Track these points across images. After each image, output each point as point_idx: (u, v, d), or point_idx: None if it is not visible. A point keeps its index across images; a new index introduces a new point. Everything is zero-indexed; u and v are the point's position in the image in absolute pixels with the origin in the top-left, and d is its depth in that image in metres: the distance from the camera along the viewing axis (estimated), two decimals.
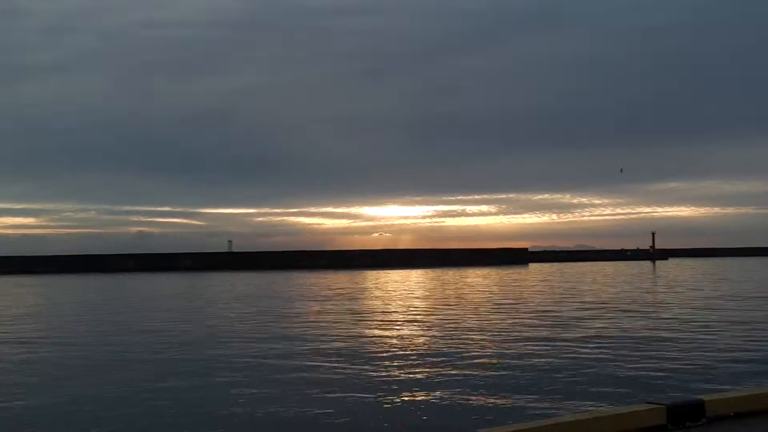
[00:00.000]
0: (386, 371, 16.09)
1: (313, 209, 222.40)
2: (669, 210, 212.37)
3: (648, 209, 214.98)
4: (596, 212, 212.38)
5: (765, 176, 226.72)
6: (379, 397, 13.38)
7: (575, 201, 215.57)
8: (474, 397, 13.25)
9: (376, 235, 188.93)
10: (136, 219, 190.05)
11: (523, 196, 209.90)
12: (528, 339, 21.16)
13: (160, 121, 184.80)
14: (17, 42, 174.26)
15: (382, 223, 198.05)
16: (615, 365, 16.35)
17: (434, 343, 20.57)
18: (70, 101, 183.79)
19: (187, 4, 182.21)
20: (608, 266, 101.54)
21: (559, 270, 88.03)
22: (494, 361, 17.26)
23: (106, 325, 28.43)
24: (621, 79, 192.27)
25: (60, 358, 19.51)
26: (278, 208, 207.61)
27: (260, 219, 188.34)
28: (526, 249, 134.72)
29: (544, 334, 22.37)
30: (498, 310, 30.95)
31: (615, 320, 26.21)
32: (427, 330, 24.21)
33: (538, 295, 40.77)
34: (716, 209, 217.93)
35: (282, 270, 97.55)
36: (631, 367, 16.02)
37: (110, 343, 22.53)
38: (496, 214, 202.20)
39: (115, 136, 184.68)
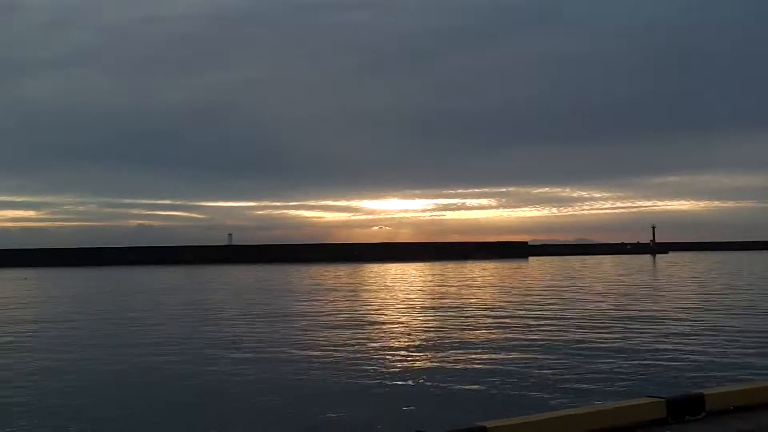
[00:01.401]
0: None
1: (312, 203, 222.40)
2: (669, 204, 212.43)
3: (648, 203, 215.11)
4: (596, 206, 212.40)
5: (765, 170, 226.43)
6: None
7: (575, 195, 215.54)
8: (476, 391, 13.36)
9: (376, 228, 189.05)
10: (136, 212, 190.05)
11: (522, 190, 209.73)
12: (527, 337, 21.25)
13: (160, 115, 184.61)
14: (18, 37, 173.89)
15: (381, 216, 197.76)
16: (615, 360, 16.43)
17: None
18: (71, 96, 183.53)
19: (186, 0, 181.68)
20: (608, 260, 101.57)
21: (560, 265, 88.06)
22: (495, 356, 17.36)
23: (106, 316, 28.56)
24: (621, 74, 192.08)
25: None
26: (278, 202, 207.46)
27: (260, 212, 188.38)
28: (526, 242, 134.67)
29: (543, 332, 22.47)
30: (494, 312, 31.02)
31: (616, 314, 26.31)
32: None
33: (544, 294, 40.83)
34: (716, 203, 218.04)
35: (282, 263, 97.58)
36: (631, 362, 16.10)
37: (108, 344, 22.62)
38: (496, 207, 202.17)
39: (115, 130, 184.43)
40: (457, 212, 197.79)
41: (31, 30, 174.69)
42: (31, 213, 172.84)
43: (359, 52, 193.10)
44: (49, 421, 11.77)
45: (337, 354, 17.77)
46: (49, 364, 17.26)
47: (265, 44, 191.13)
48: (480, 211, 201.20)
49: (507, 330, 21.95)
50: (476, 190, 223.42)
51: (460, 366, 15.87)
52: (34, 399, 13.38)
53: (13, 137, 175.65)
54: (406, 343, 19.46)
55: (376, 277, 60.33)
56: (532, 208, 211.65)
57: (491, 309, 28.82)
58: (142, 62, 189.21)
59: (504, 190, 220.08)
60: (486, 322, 24.33)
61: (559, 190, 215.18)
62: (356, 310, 29.16)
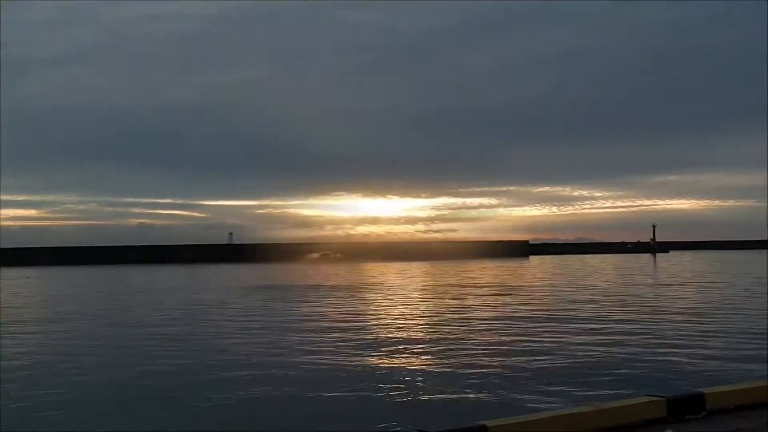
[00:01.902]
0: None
1: (313, 201, 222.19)
2: (669, 203, 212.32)
3: (649, 202, 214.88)
4: (597, 205, 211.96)
5: (765, 169, 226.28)
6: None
7: (576, 194, 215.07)
8: (477, 391, 13.37)
9: (376, 227, 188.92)
10: (137, 211, 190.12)
11: (523, 189, 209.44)
12: (528, 338, 21.28)
13: (160, 113, 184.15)
14: (18, 35, 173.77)
15: (382, 215, 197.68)
16: (616, 358, 16.44)
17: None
18: (71, 94, 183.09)
19: None
20: (609, 259, 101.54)
21: (561, 264, 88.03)
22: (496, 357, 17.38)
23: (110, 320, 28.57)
24: (622, 72, 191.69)
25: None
26: (279, 201, 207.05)
27: (261, 211, 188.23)
28: (527, 242, 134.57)
29: (543, 332, 22.49)
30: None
31: (617, 314, 26.32)
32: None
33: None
34: (716, 202, 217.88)
35: (283, 262, 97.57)
36: (632, 360, 16.11)
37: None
38: (496, 206, 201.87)
39: (116, 128, 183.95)
40: (457, 211, 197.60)
41: (30, 28, 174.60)
42: (31, 212, 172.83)
43: (360, 51, 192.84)
44: (44, 418, 11.80)
45: (335, 354, 17.78)
46: (48, 367, 17.28)
47: (265, 44, 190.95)
48: (480, 210, 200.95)
49: (507, 331, 21.95)
50: (476, 190, 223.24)
51: (460, 366, 15.87)
52: (32, 397, 13.39)
53: (13, 136, 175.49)
54: (406, 343, 19.47)
55: (376, 275, 60.32)
56: (533, 207, 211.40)
57: (490, 309, 28.82)
58: (142, 61, 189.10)
59: (504, 189, 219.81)
60: (486, 322, 24.33)
61: (560, 189, 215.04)
62: (354, 310, 29.17)
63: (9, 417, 11.93)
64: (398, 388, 13.55)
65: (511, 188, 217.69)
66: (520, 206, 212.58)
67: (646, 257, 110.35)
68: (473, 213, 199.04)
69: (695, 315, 25.32)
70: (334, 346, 18.85)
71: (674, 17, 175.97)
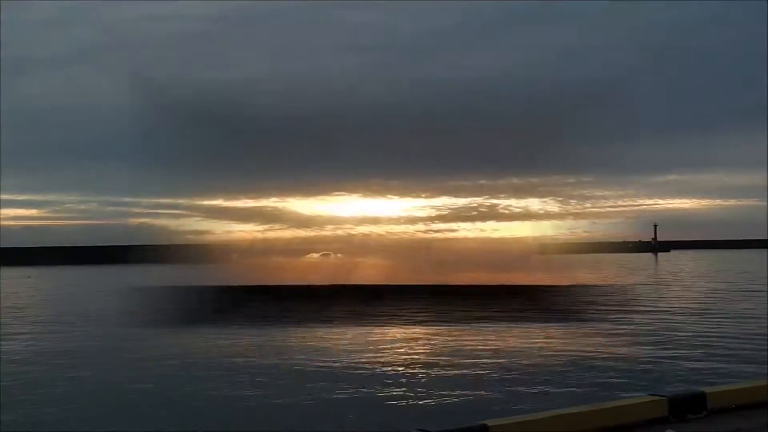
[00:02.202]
0: None
1: (313, 201, 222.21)
2: (671, 202, 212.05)
3: (650, 201, 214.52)
4: (598, 204, 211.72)
5: (765, 169, 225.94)
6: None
7: (576, 193, 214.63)
8: (477, 390, 13.34)
9: (376, 227, 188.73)
10: (138, 210, 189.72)
11: (523, 188, 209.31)
12: (528, 339, 21.26)
13: (161, 114, 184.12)
14: (18, 35, 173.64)
15: (382, 215, 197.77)
16: (616, 357, 16.41)
17: None
18: (71, 94, 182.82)
19: None
20: (610, 258, 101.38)
21: (562, 263, 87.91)
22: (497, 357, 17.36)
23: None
24: (621, 72, 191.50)
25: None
26: (279, 200, 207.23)
27: (262, 210, 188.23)
28: (527, 241, 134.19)
29: (543, 334, 22.46)
30: None
31: (617, 313, 26.28)
32: None
33: None
34: (718, 201, 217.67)
35: (283, 260, 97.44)
36: (632, 360, 16.08)
37: None
38: (497, 206, 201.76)
39: (115, 128, 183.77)
40: (457, 211, 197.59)
41: (30, 28, 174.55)
42: (32, 211, 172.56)
43: (359, 52, 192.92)
44: (44, 418, 11.78)
45: (335, 355, 17.75)
46: (48, 367, 17.26)
47: (265, 44, 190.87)
48: (480, 209, 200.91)
49: (506, 331, 21.93)
50: (477, 189, 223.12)
51: (460, 366, 15.85)
52: (32, 397, 13.38)
53: (13, 136, 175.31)
54: (405, 343, 19.45)
55: (375, 274, 60.16)
56: (533, 206, 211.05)
57: (489, 308, 28.73)
58: (142, 60, 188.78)
59: (504, 188, 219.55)
60: (485, 322, 24.29)
61: (560, 188, 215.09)
62: (353, 310, 29.10)
63: (9, 417, 11.90)
64: (398, 388, 13.53)
65: (512, 187, 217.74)
66: (520, 205, 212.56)
67: (647, 256, 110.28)
68: (473, 213, 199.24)
69: (696, 314, 25.28)
70: (333, 346, 18.81)
71: (674, 17, 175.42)
